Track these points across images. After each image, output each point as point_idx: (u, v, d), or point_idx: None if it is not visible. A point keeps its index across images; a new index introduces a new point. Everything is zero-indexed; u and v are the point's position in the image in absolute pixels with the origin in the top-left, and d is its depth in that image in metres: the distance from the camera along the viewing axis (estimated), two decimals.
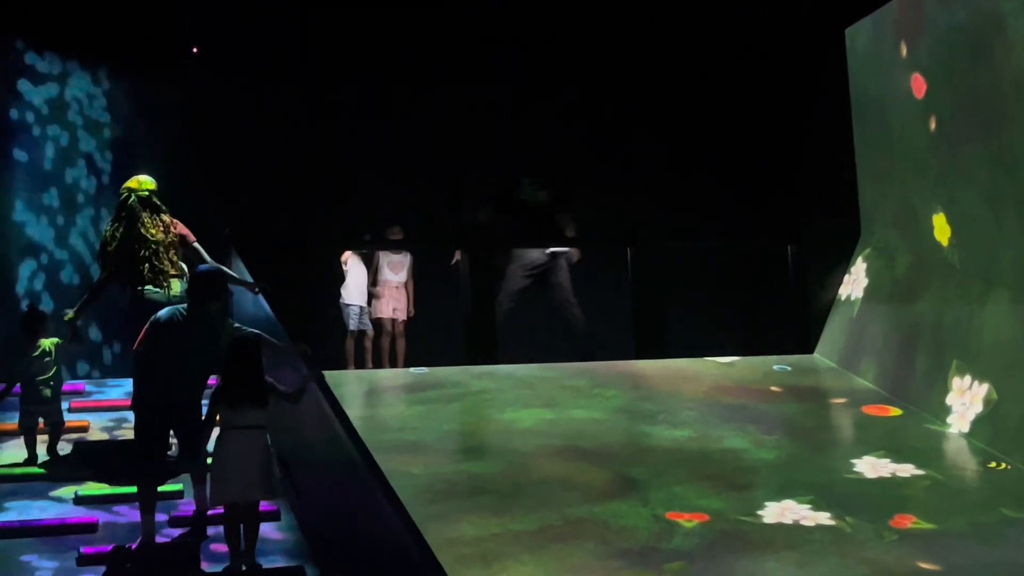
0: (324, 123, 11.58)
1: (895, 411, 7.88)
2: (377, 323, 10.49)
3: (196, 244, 7.22)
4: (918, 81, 8.07)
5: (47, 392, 6.92)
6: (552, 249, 9.84)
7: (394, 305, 10.48)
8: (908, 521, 6.15)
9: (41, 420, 6.99)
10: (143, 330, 6.13)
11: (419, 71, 11.64)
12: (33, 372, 6.90)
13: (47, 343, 6.97)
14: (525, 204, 9.98)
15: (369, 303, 10.50)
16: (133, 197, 7.08)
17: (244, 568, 5.69)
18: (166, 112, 10.95)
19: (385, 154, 11.51)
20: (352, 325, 10.38)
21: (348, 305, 10.41)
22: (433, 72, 11.62)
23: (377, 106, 11.72)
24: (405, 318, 10.54)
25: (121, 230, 7.01)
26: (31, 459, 6.95)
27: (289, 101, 11.40)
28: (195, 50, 11.35)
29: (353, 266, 10.49)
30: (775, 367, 8.65)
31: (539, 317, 10.06)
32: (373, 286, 10.51)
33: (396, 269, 10.55)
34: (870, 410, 7.95)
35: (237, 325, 6.32)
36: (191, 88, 10.94)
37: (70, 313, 7.01)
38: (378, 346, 10.47)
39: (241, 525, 5.82)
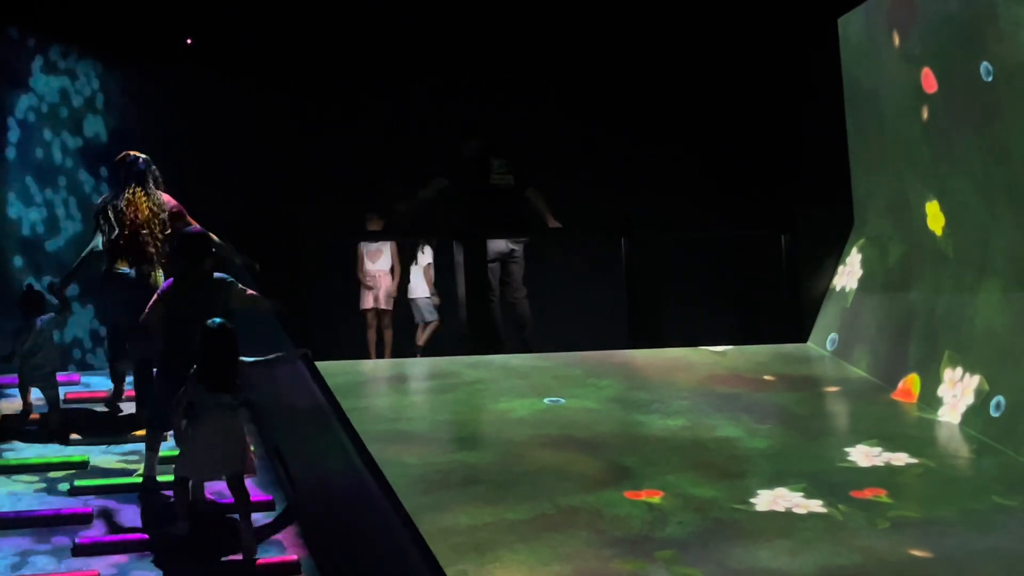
0: (319, 116, 11.55)
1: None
2: (363, 315, 10.40)
3: (191, 221, 7.44)
4: (928, 77, 7.97)
5: (47, 367, 7.24)
6: (513, 240, 9.55)
7: (378, 295, 10.39)
8: (871, 493, 6.20)
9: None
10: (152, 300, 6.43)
11: (415, 63, 11.61)
12: (30, 348, 7.20)
13: (43, 320, 7.28)
14: (496, 189, 9.61)
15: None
16: (133, 166, 7.36)
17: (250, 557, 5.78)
18: (160, 105, 10.91)
19: (380, 147, 11.48)
20: (429, 317, 10.34)
21: (415, 299, 10.36)
22: (427, 62, 11.59)
23: (373, 100, 11.69)
24: (390, 307, 10.46)
25: (116, 200, 7.25)
26: (25, 409, 7.32)
27: (283, 95, 11.36)
28: (189, 42, 11.31)
29: (419, 258, 10.42)
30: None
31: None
32: (362, 275, 10.45)
33: (374, 258, 10.43)
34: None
35: (242, 287, 6.50)
36: (184, 81, 10.91)
37: (57, 283, 7.48)
38: (368, 338, 10.40)
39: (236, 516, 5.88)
